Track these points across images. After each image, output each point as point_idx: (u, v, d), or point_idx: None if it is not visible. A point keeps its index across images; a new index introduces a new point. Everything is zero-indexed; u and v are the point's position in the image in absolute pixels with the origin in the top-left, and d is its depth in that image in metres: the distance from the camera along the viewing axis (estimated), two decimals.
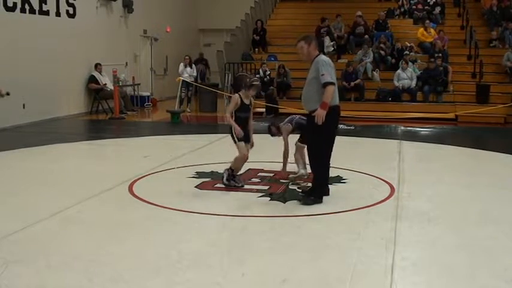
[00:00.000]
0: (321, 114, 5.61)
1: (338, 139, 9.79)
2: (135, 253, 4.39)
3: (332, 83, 5.70)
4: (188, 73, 15.29)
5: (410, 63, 14.68)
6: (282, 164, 7.10)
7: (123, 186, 6.52)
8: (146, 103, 16.31)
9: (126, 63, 16.15)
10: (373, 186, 6.59)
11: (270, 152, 7.49)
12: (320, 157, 5.93)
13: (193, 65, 15.87)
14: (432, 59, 14.66)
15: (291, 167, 7.33)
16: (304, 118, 6.45)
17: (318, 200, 5.88)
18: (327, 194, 6.06)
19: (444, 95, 14.43)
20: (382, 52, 15.59)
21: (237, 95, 6.45)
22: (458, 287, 3.90)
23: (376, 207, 5.81)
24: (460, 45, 16.67)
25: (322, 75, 5.68)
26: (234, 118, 6.28)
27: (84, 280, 3.85)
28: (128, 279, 3.88)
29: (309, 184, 6.64)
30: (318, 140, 5.87)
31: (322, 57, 5.97)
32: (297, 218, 5.41)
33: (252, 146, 6.48)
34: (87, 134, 11.76)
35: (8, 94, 10.95)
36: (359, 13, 16.98)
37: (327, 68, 5.74)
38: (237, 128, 6.15)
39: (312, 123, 5.74)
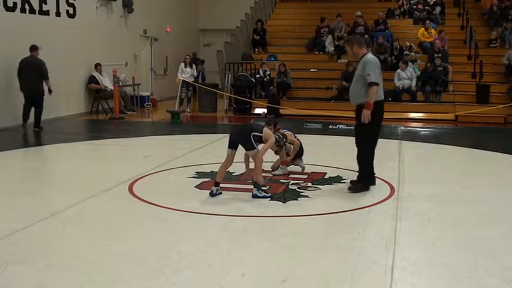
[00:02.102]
0: (366, 115, 6.12)
1: (338, 139, 9.85)
2: (135, 253, 4.39)
3: (376, 84, 6.17)
4: (188, 73, 15.30)
5: (410, 63, 14.68)
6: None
7: (123, 186, 6.52)
8: (146, 103, 16.31)
9: (126, 63, 16.15)
10: (373, 186, 6.57)
11: (269, 152, 7.47)
12: (367, 148, 6.36)
13: (194, 65, 15.87)
14: (430, 64, 14.62)
15: (290, 167, 7.37)
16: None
17: (365, 188, 6.33)
18: (374, 183, 6.47)
19: (444, 95, 14.43)
20: (381, 57, 15.52)
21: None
22: (458, 287, 3.90)
23: (376, 207, 5.81)
24: (460, 45, 16.67)
25: (368, 75, 6.15)
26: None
27: (84, 280, 3.85)
28: (128, 279, 3.88)
29: (309, 184, 6.66)
30: (365, 133, 6.29)
31: (369, 56, 6.40)
32: (297, 218, 5.41)
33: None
34: (87, 134, 11.75)
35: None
36: (359, 13, 16.99)
37: (373, 68, 6.24)
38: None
39: (360, 116, 6.20)
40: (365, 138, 6.36)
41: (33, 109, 11.17)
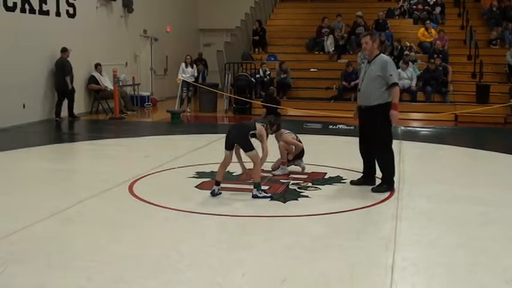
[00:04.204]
0: (396, 115, 6.20)
1: (338, 139, 9.84)
2: (135, 253, 4.39)
3: (398, 84, 6.29)
4: (189, 73, 15.29)
5: (410, 63, 14.68)
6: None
7: (123, 186, 6.51)
8: (146, 103, 16.31)
9: (126, 63, 16.15)
10: (372, 186, 6.57)
11: (270, 152, 7.47)
12: (388, 148, 6.40)
13: (194, 65, 15.85)
14: (432, 60, 14.62)
15: (290, 167, 7.37)
16: None
17: (390, 188, 6.34)
18: (374, 183, 6.51)
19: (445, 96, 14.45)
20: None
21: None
22: (458, 287, 3.90)
23: (376, 207, 5.81)
24: (460, 45, 16.68)
25: (391, 75, 6.19)
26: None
27: (84, 280, 3.85)
28: (128, 279, 3.88)
29: (309, 184, 6.66)
30: (385, 133, 6.34)
31: (386, 57, 6.49)
32: (296, 218, 5.41)
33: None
34: (87, 134, 11.75)
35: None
36: (359, 13, 16.99)
37: (394, 69, 6.33)
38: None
39: (375, 117, 6.24)
40: (385, 139, 6.36)
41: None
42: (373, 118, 6.28)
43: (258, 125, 6.23)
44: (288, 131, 7.37)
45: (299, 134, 7.75)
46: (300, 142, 7.36)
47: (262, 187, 6.12)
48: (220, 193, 6.12)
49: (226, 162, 6.20)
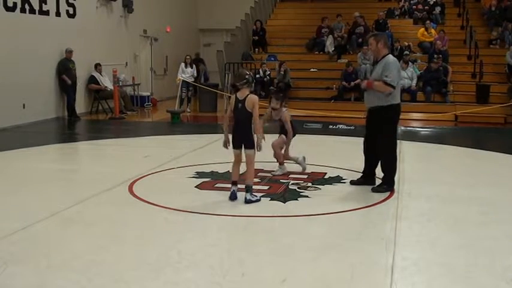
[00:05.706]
0: (366, 85, 6.33)
1: (337, 139, 9.83)
2: (135, 253, 4.39)
3: (392, 87, 6.20)
4: (189, 73, 15.28)
5: (410, 63, 14.68)
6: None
7: (123, 186, 6.51)
8: (146, 103, 16.30)
9: (126, 63, 16.14)
10: (372, 186, 6.57)
11: (269, 152, 7.47)
12: (392, 149, 6.43)
13: (194, 65, 15.84)
14: (435, 59, 14.61)
15: (290, 166, 7.37)
16: None
17: (390, 188, 6.34)
18: (374, 183, 6.52)
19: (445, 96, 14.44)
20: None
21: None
22: (458, 287, 3.90)
23: (376, 207, 5.81)
24: (460, 45, 16.67)
25: (386, 76, 6.16)
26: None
27: (84, 280, 3.85)
28: (128, 279, 3.88)
29: (309, 184, 6.66)
30: (390, 134, 6.38)
31: (391, 58, 6.39)
32: (297, 218, 5.41)
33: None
34: (87, 134, 11.75)
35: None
36: (356, 14, 16.99)
37: (392, 70, 6.25)
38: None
39: (379, 118, 6.29)
40: (387, 140, 6.37)
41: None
42: (377, 119, 6.30)
43: (250, 95, 5.90)
44: (285, 109, 7.41)
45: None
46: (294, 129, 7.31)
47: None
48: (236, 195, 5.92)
49: (238, 160, 6.02)
